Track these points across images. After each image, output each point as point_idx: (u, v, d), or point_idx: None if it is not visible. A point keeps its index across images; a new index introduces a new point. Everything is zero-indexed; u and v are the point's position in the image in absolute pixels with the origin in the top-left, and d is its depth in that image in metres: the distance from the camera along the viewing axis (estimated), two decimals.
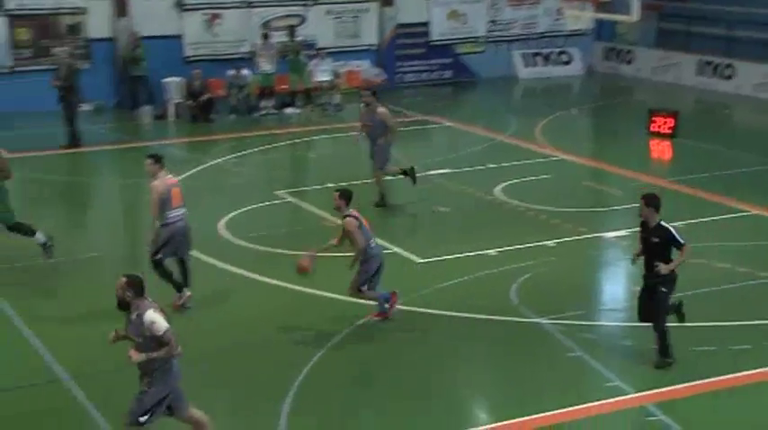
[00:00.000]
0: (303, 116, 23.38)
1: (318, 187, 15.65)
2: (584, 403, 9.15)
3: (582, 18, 24.23)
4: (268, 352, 10.36)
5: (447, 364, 10.08)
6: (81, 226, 16.02)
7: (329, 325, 10.93)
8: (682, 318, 10.02)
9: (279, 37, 24.75)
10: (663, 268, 9.43)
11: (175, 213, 11.10)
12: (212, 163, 18.78)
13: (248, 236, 14.05)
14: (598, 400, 9.22)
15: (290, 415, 8.86)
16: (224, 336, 10.73)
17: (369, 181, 16.06)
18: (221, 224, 14.60)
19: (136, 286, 7.54)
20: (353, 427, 8.87)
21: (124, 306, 7.56)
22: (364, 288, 10.76)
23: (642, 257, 9.80)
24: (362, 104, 15.74)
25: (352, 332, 10.77)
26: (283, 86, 24.15)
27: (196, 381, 9.64)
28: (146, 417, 7.55)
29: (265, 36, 23.97)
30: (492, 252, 13.20)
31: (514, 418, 8.87)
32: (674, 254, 9.64)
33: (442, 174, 17.67)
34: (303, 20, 25.81)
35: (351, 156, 17.95)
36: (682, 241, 9.53)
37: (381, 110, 15.24)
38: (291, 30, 24.84)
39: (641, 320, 9.92)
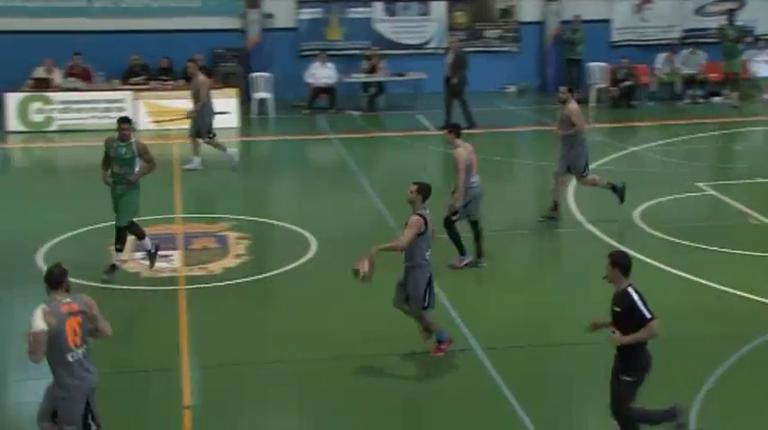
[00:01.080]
0: (732, 106, 22.18)
1: (746, 181, 14.71)
2: None
3: None
4: (679, 347, 9.91)
5: None
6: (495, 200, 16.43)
7: (743, 326, 10.23)
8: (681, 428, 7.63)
9: (714, 22, 23.74)
10: (612, 339, 7.29)
11: (476, 179, 11.89)
12: (632, 149, 18.43)
13: (664, 227, 13.56)
14: None
15: (698, 412, 8.45)
16: None
17: None
18: (637, 212, 14.26)
19: (48, 279, 7.07)
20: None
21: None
22: (429, 308, 9.45)
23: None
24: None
25: None
26: (713, 74, 23.04)
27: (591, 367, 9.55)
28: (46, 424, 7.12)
29: (693, 52, 23.15)
30: None
31: None
32: None
33: None
34: (742, 4, 24.33)
35: None
36: (648, 315, 7.23)
37: (571, 105, 13.63)
38: (731, 13, 23.52)
39: (612, 413, 7.54)
